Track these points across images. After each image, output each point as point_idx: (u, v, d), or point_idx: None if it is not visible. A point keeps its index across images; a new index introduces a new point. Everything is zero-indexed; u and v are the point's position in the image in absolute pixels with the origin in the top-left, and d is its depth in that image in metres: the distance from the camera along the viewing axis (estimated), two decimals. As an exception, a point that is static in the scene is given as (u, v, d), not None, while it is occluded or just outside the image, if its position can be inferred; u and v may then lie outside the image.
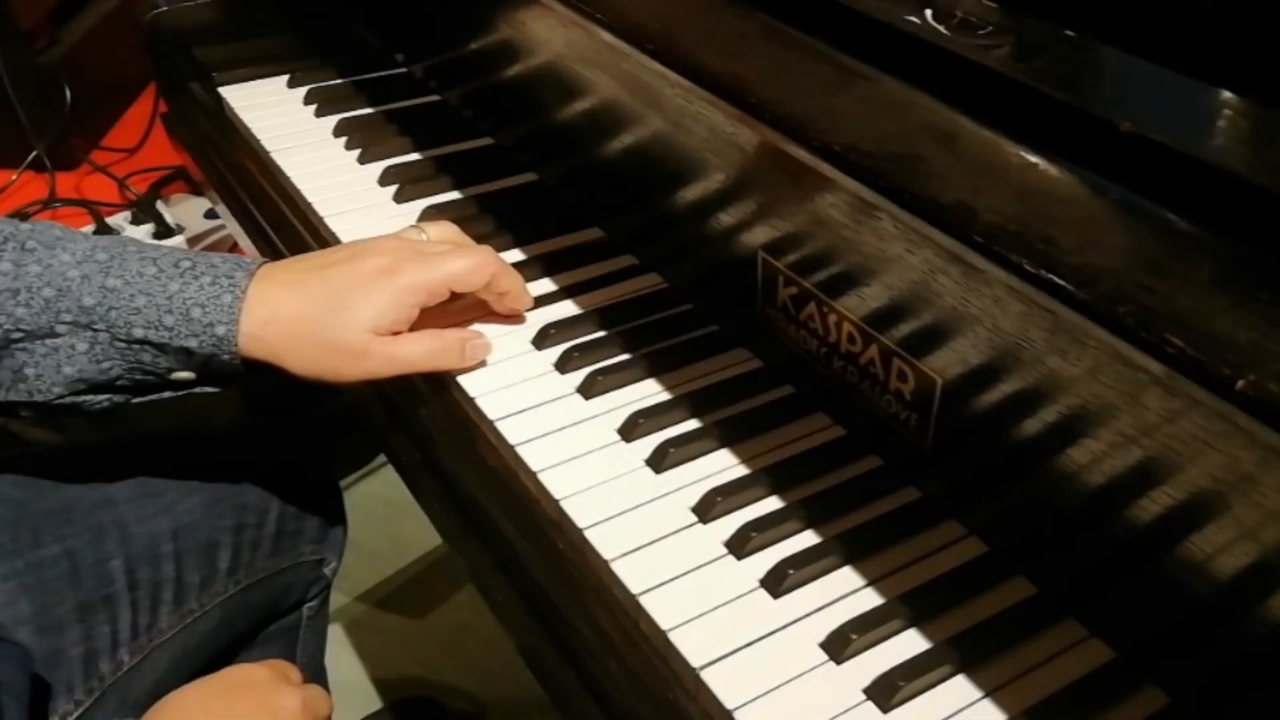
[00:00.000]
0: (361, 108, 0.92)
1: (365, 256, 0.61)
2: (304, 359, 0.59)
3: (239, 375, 0.60)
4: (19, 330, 0.57)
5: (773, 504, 0.56)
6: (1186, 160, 0.42)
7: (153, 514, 0.68)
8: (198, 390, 0.61)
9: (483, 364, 0.64)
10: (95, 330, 0.58)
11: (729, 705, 0.47)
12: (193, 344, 0.58)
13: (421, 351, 0.61)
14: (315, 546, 0.79)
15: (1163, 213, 0.42)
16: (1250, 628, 0.42)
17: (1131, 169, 0.43)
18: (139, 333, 0.58)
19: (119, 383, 0.59)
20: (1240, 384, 0.36)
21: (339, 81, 0.96)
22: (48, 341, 0.58)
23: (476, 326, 0.67)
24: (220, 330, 0.58)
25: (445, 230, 0.67)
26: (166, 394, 0.61)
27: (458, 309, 0.65)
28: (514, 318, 0.68)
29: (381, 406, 0.63)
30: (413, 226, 0.67)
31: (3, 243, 0.58)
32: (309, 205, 0.80)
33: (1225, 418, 0.38)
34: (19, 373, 0.58)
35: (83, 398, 0.59)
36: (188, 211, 1.39)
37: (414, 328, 0.62)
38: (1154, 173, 0.43)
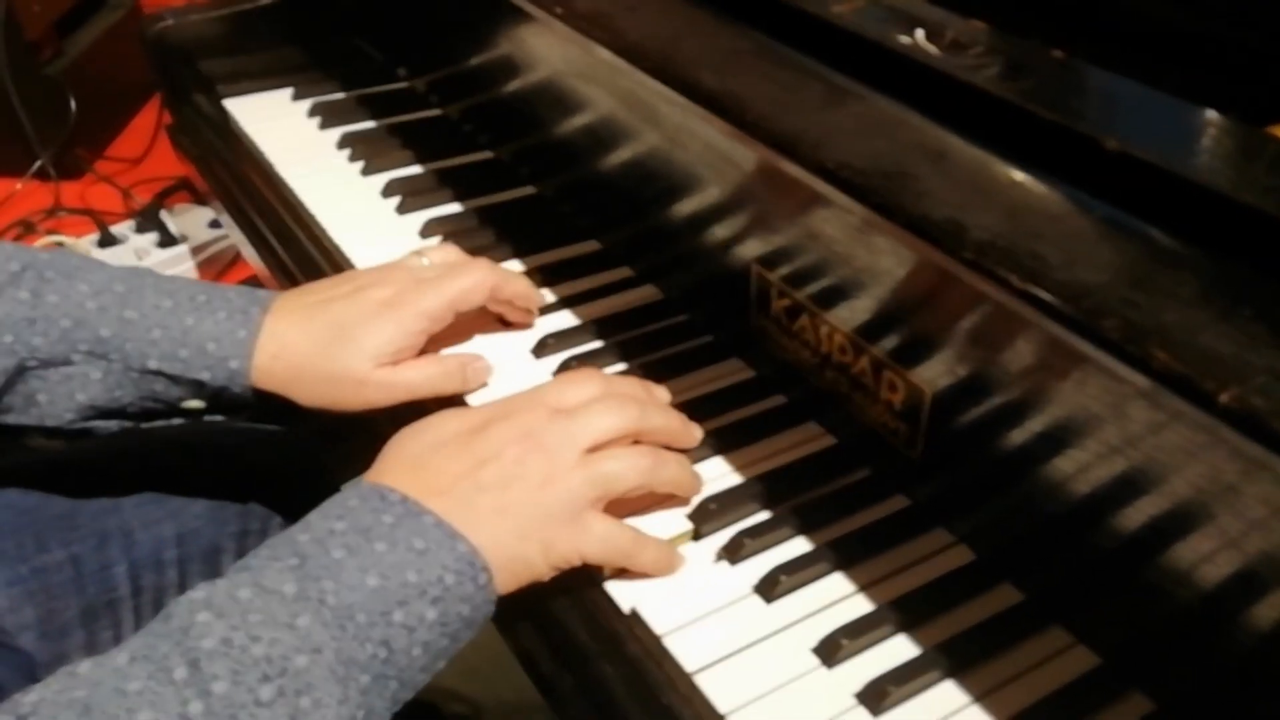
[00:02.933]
0: (365, 121, 0.93)
1: (369, 289, 0.62)
2: (309, 391, 0.60)
3: (248, 405, 0.61)
4: (35, 359, 0.58)
5: (766, 511, 0.56)
6: (1171, 178, 0.43)
7: (157, 520, 0.69)
8: (206, 419, 0.62)
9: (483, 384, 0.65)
10: (110, 360, 0.58)
11: (722, 709, 0.47)
12: (205, 376, 0.59)
13: (422, 378, 0.61)
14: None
15: (1148, 229, 0.43)
16: (1233, 635, 0.42)
17: (1118, 186, 0.44)
18: (153, 364, 0.59)
19: (129, 409, 0.60)
20: (1224, 398, 0.36)
21: (343, 95, 0.97)
22: (62, 369, 0.58)
23: (480, 337, 0.68)
24: (233, 364, 0.59)
25: (447, 253, 0.68)
26: (175, 420, 0.62)
27: (461, 324, 0.66)
28: (524, 324, 0.69)
29: (384, 414, 0.63)
30: (414, 253, 0.68)
31: (21, 271, 0.59)
32: (312, 217, 0.81)
33: (1209, 430, 0.39)
34: (31, 398, 0.59)
35: (93, 423, 0.60)
36: (191, 221, 1.40)
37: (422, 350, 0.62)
38: (1140, 190, 0.43)
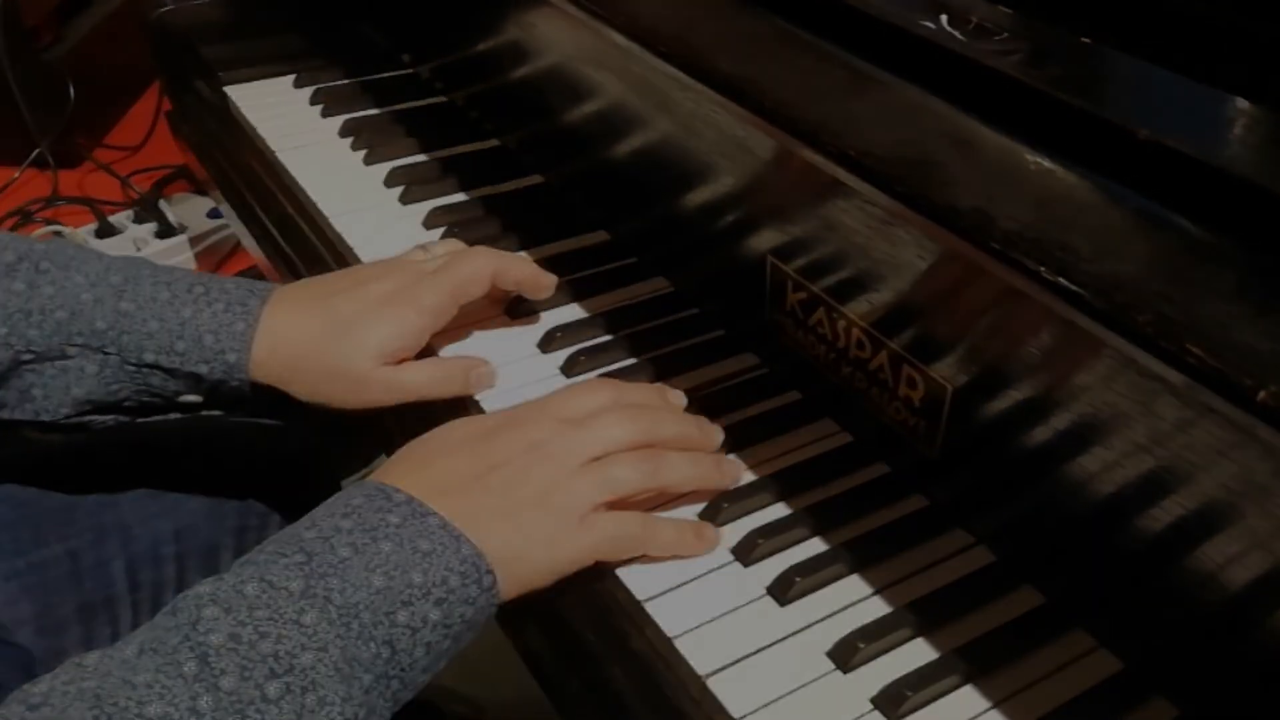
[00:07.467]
0: (368, 108, 0.92)
1: (370, 283, 0.61)
2: (307, 385, 0.59)
3: (246, 400, 0.60)
4: (30, 352, 0.57)
5: (779, 510, 0.55)
6: (1205, 168, 0.42)
7: (155, 515, 0.68)
8: (203, 413, 0.61)
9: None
10: (106, 353, 0.58)
11: (735, 714, 0.46)
12: (203, 370, 0.58)
13: (424, 379, 0.60)
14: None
15: (1181, 221, 0.42)
16: (1260, 640, 0.41)
17: (1149, 176, 0.43)
18: (150, 357, 0.58)
19: (126, 404, 0.59)
20: (1262, 395, 0.35)
21: (345, 82, 0.96)
22: (57, 363, 0.57)
23: (487, 332, 0.67)
24: (231, 357, 0.58)
25: (451, 248, 0.67)
26: (173, 415, 0.61)
27: (467, 318, 0.65)
28: (528, 320, 0.68)
29: (388, 411, 0.62)
30: (419, 247, 0.67)
31: (17, 262, 0.58)
32: (314, 205, 0.80)
33: (1243, 428, 0.38)
34: (26, 393, 0.58)
35: (89, 417, 0.59)
36: (190, 210, 1.39)
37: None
38: (1172, 180, 0.42)
